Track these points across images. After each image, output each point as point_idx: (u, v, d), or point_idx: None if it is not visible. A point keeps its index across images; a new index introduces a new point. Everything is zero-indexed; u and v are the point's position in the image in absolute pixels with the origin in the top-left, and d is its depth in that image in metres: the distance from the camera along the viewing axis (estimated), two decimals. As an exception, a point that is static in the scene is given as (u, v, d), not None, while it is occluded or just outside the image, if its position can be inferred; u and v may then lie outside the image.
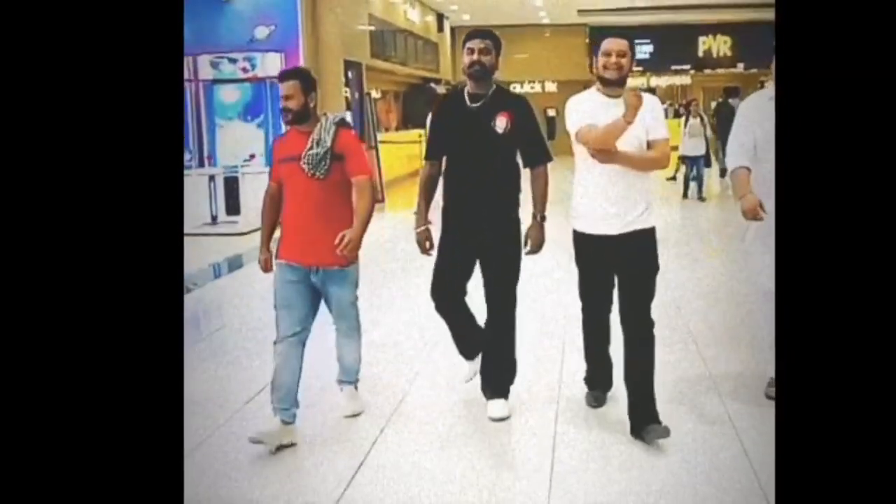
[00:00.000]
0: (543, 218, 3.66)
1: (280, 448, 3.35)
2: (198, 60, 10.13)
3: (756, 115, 3.63)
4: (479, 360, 3.82)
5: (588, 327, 3.72)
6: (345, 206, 3.43)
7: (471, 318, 3.81)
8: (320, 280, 3.48)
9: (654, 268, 3.49)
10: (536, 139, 3.69)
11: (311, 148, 3.40)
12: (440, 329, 3.98)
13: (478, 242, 3.61)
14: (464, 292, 3.74)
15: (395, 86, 17.16)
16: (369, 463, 3.26)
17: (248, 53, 10.20)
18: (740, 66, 22.22)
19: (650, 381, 3.40)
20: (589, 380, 3.80)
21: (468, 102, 3.57)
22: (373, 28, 13.20)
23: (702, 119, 12.31)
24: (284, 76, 3.50)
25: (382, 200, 12.46)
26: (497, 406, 3.66)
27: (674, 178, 13.08)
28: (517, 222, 3.64)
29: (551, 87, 22.71)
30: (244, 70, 10.20)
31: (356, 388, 3.76)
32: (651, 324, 3.45)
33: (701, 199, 11.78)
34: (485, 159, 3.54)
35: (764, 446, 3.07)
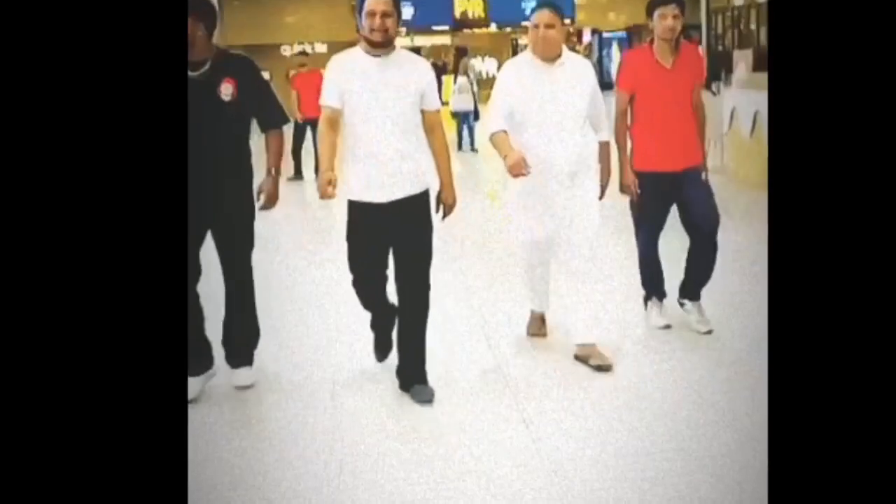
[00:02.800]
0: (278, 172, 3.63)
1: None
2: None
3: (512, 81, 3.69)
4: (206, 375, 3.71)
5: (365, 298, 3.67)
6: None
7: (200, 318, 3.65)
8: None
9: (429, 231, 3.49)
10: (268, 101, 3.59)
11: None
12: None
13: (209, 217, 3.44)
14: (196, 273, 3.55)
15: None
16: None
17: None
18: (493, 26, 24.34)
19: (422, 343, 3.57)
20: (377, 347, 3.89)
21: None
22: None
23: (469, 77, 13.92)
24: None
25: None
26: (243, 374, 3.78)
27: None
28: (251, 192, 3.58)
29: (321, 48, 23.46)
30: None
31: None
32: (428, 288, 3.52)
33: (474, 150, 13.37)
34: (211, 129, 3.35)
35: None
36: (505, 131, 3.63)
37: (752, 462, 2.94)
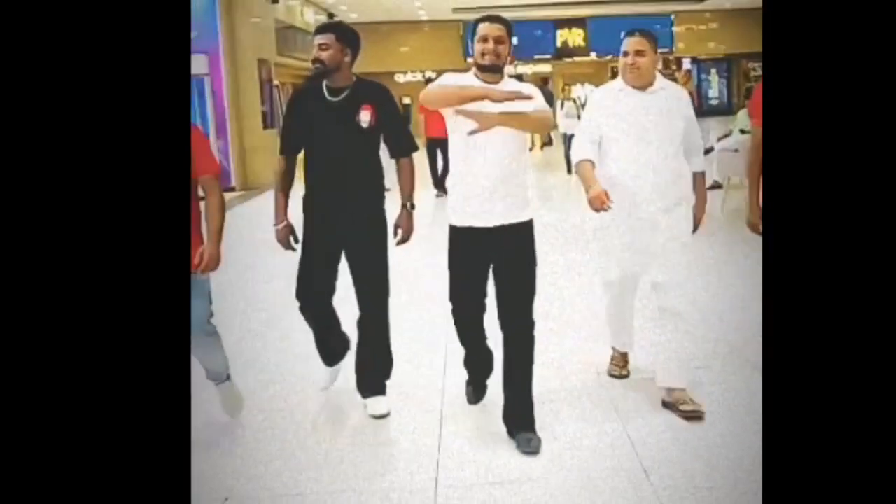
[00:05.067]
0: (413, 206, 3.57)
1: None
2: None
3: (601, 107, 3.54)
4: (338, 366, 3.86)
5: (462, 329, 3.52)
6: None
7: (335, 321, 3.77)
8: None
9: (532, 262, 3.28)
10: (400, 130, 3.60)
11: None
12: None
13: (344, 238, 3.50)
14: (331, 292, 3.63)
15: (296, 79, 19.30)
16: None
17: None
18: (593, 54, 25.42)
19: (529, 385, 3.27)
20: (468, 363, 3.65)
21: (328, 96, 3.45)
22: (277, 29, 15.53)
23: (575, 101, 14.17)
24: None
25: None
26: (377, 403, 3.59)
27: None
28: (383, 214, 3.53)
29: (431, 76, 25.27)
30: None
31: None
32: (532, 324, 3.26)
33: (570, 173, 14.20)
34: (349, 153, 3.41)
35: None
36: (591, 161, 3.45)
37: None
